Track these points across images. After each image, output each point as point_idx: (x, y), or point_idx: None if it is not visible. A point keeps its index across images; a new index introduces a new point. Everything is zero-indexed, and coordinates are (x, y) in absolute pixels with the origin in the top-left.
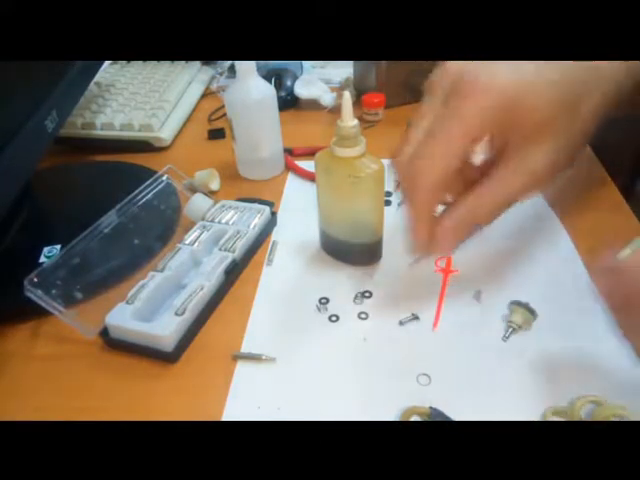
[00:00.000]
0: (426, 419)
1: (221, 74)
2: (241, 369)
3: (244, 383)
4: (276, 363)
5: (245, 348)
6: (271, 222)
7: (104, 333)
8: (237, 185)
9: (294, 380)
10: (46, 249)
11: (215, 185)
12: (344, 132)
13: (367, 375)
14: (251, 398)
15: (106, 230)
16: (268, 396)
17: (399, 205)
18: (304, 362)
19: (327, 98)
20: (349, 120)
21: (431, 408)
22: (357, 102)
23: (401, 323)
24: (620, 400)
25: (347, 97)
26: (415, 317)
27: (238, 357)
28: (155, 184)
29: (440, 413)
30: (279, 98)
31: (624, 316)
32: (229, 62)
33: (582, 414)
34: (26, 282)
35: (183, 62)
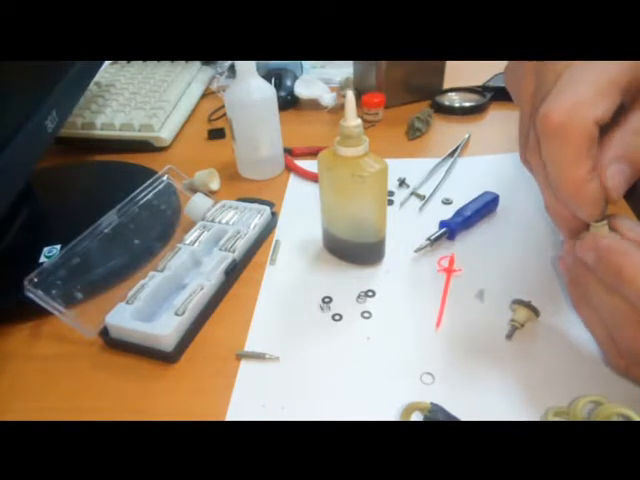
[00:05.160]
0: (427, 414)
1: (221, 74)
2: (245, 368)
3: (248, 382)
4: (280, 362)
5: (248, 347)
6: (271, 222)
7: (104, 333)
8: (237, 185)
9: (298, 379)
10: (46, 249)
11: (215, 185)
12: (347, 132)
13: (370, 374)
14: (255, 397)
15: (106, 230)
16: (272, 395)
17: (401, 205)
18: (308, 361)
19: (327, 98)
20: (352, 120)
21: (432, 404)
22: (357, 102)
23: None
24: (621, 400)
25: (350, 96)
26: None
27: (242, 356)
28: (155, 184)
29: (441, 409)
30: (279, 98)
31: (573, 289)
32: (229, 62)
33: (583, 414)
34: (26, 282)
35: (183, 62)
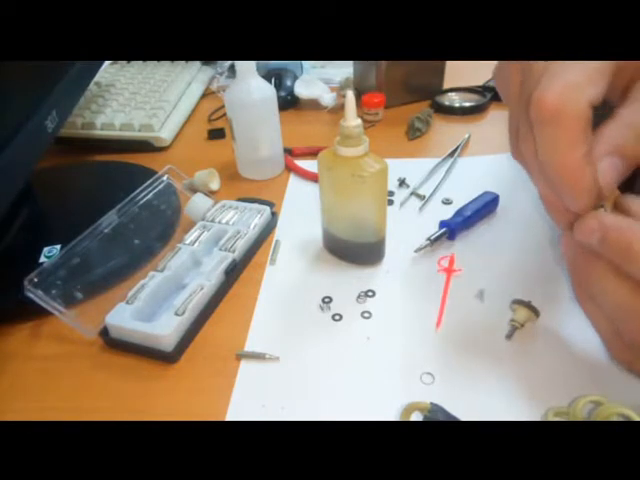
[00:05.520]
0: (427, 414)
1: (221, 74)
2: (245, 368)
3: (248, 382)
4: (280, 362)
5: (248, 347)
6: (271, 222)
7: (104, 333)
8: (237, 185)
9: (298, 379)
10: (46, 249)
11: (215, 185)
12: (347, 132)
13: (370, 374)
14: (255, 397)
15: (106, 230)
16: (272, 395)
17: (401, 205)
18: (308, 361)
19: (327, 98)
20: (352, 120)
21: (432, 404)
22: (357, 102)
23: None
24: (621, 400)
25: (350, 96)
26: None
27: (242, 356)
28: (155, 184)
29: (440, 409)
30: (279, 98)
31: (575, 279)
32: (229, 62)
33: (583, 414)
34: (26, 282)
35: (183, 62)
